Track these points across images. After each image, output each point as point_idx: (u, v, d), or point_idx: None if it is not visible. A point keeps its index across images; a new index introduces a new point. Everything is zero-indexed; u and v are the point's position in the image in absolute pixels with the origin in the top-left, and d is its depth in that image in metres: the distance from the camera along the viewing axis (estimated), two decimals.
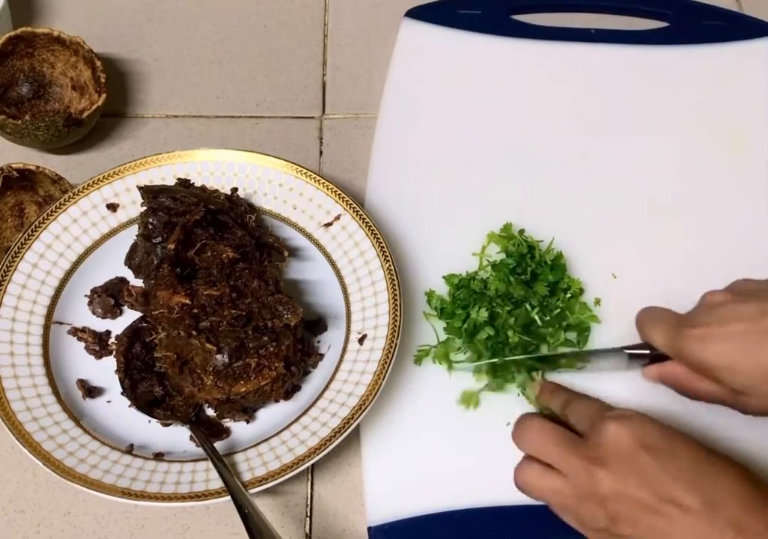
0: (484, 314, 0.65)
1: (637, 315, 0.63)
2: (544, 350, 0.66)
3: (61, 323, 0.66)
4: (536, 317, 0.66)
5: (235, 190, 0.70)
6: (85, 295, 0.68)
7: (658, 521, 0.48)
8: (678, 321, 0.59)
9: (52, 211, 0.69)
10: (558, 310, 0.67)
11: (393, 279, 0.65)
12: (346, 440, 0.59)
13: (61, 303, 0.67)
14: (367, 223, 0.68)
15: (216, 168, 0.72)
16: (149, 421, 0.62)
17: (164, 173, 0.71)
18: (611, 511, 0.49)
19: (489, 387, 0.65)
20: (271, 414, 0.63)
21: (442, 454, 0.63)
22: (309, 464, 0.58)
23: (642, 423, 0.51)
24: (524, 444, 0.54)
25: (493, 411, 0.64)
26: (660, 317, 0.61)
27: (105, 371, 0.65)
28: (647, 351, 0.61)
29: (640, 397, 0.64)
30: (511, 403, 0.65)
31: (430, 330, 0.68)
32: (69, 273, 0.68)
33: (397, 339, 0.62)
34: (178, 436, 0.62)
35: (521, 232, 0.71)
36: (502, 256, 0.70)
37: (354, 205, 0.69)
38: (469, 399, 0.64)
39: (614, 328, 0.67)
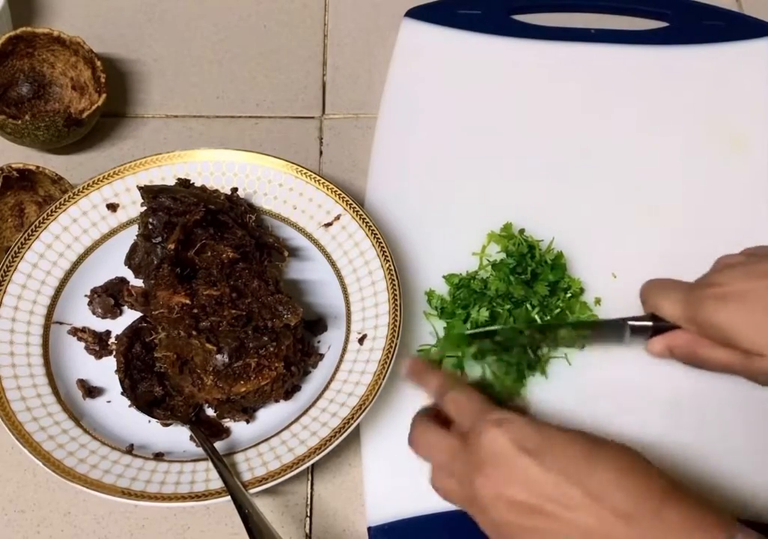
0: (484, 314, 0.65)
1: (641, 287, 0.61)
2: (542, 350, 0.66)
3: (61, 323, 0.66)
4: (536, 317, 0.66)
5: (235, 190, 0.70)
6: (85, 295, 0.68)
7: (543, 522, 0.47)
8: (689, 287, 0.57)
9: (52, 211, 0.69)
10: (558, 310, 0.67)
11: (393, 280, 0.65)
12: (346, 440, 0.59)
13: (61, 303, 0.67)
14: (367, 223, 0.68)
15: (216, 168, 0.72)
16: (149, 421, 0.62)
17: (164, 173, 0.71)
18: (492, 518, 0.48)
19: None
20: (271, 414, 0.63)
21: None
22: (309, 464, 0.58)
23: (522, 426, 0.49)
24: (419, 451, 0.53)
25: None
26: (669, 285, 0.59)
27: (105, 371, 0.65)
28: (650, 323, 0.60)
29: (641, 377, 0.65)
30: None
31: (430, 330, 0.68)
32: (69, 274, 0.68)
33: (397, 339, 0.62)
34: (178, 436, 0.62)
35: (521, 231, 0.71)
36: (502, 255, 0.70)
37: (354, 205, 0.69)
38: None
39: None
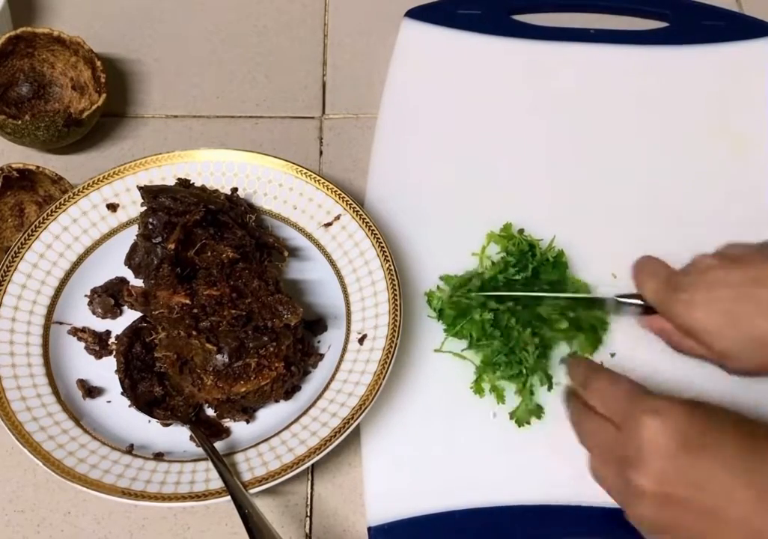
0: (487, 316, 0.65)
1: (633, 264, 0.63)
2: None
3: (61, 323, 0.66)
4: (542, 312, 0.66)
5: (235, 190, 0.70)
6: (85, 295, 0.68)
7: (705, 522, 0.46)
8: (669, 279, 0.59)
9: (52, 211, 0.69)
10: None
11: (393, 280, 0.65)
12: (346, 440, 0.59)
13: (61, 303, 0.67)
14: (367, 222, 0.68)
15: (216, 168, 0.72)
16: (149, 421, 0.62)
17: (164, 173, 0.71)
18: (643, 513, 0.48)
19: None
20: (271, 414, 0.63)
21: (442, 454, 0.63)
22: (309, 464, 0.58)
23: (681, 415, 0.48)
24: (579, 437, 0.54)
25: (493, 411, 0.64)
26: (653, 271, 0.61)
27: (105, 371, 0.65)
28: (641, 302, 0.62)
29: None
30: (512, 404, 0.65)
31: (431, 330, 0.68)
32: (69, 273, 0.68)
33: (397, 339, 0.62)
34: (178, 436, 0.62)
35: (521, 231, 0.71)
36: (503, 255, 0.70)
37: (354, 204, 0.69)
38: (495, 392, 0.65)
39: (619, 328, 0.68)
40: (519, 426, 0.64)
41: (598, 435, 0.52)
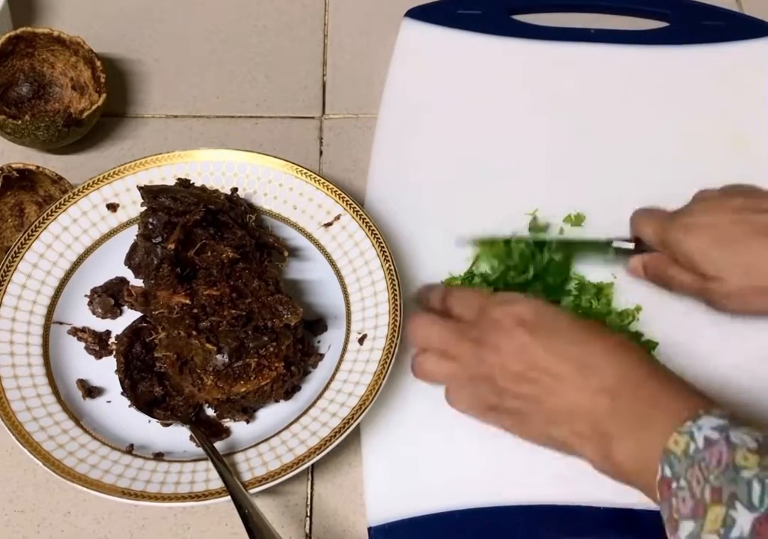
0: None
1: (632, 214, 0.67)
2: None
3: (61, 323, 0.66)
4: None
5: (235, 190, 0.70)
6: (85, 295, 0.68)
7: (534, 389, 0.51)
8: (667, 215, 0.64)
9: (52, 211, 0.69)
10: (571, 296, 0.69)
11: (393, 280, 0.65)
12: (346, 440, 0.59)
13: (61, 303, 0.67)
14: (367, 222, 0.68)
15: (216, 168, 0.72)
16: (149, 421, 0.62)
17: (164, 173, 0.71)
18: (498, 386, 0.52)
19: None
20: (271, 414, 0.63)
21: (442, 454, 0.63)
22: (309, 464, 0.58)
23: (526, 303, 0.54)
24: (418, 339, 0.58)
25: None
26: (652, 212, 0.65)
27: (105, 371, 0.65)
28: (632, 246, 0.67)
29: None
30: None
31: None
32: (69, 273, 0.68)
33: (397, 339, 0.62)
34: (178, 436, 0.62)
35: (540, 227, 0.73)
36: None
37: (354, 204, 0.69)
38: None
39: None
40: None
41: (445, 331, 0.56)
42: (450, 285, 0.69)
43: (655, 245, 0.64)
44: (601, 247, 0.69)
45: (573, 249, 0.70)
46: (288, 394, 0.63)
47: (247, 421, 0.63)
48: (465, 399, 0.55)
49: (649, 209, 0.66)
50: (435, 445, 0.63)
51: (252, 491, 0.56)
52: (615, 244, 0.68)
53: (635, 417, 0.48)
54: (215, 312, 0.60)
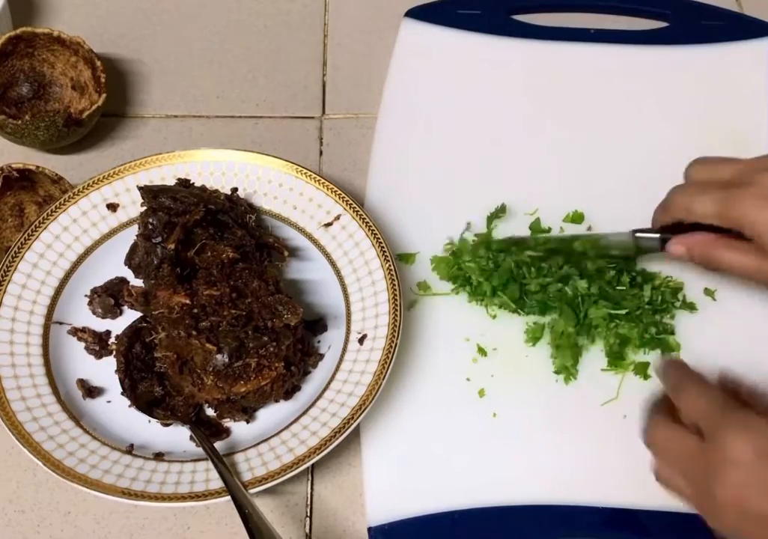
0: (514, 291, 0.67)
1: (669, 192, 0.62)
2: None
3: (61, 323, 0.66)
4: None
5: (235, 190, 0.70)
6: (85, 295, 0.68)
7: None
8: (725, 186, 0.57)
9: (52, 211, 0.69)
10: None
11: (393, 280, 0.65)
12: (346, 440, 0.59)
13: (61, 303, 0.67)
14: (367, 222, 0.68)
15: (216, 168, 0.72)
16: (149, 421, 0.62)
17: (164, 173, 0.71)
18: (727, 524, 0.48)
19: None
20: (271, 414, 0.63)
21: (442, 454, 0.63)
22: (309, 464, 0.58)
23: (765, 430, 0.47)
24: (653, 447, 0.53)
25: (493, 411, 0.64)
26: (703, 187, 0.59)
27: (105, 371, 0.65)
28: (656, 235, 0.63)
29: None
30: (512, 404, 0.65)
31: (431, 330, 0.68)
32: (69, 273, 0.68)
33: (397, 339, 0.62)
34: (178, 436, 0.62)
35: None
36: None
37: (354, 204, 0.69)
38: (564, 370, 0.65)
39: None
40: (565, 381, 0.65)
41: (677, 443, 0.51)
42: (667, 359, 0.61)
43: (710, 218, 0.58)
44: (623, 238, 0.66)
45: (594, 242, 0.67)
46: (288, 394, 0.63)
47: (247, 421, 0.63)
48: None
49: (696, 183, 0.60)
50: (435, 445, 0.63)
51: (252, 491, 0.56)
52: (638, 235, 0.64)
53: None
54: (215, 312, 0.60)
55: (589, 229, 0.73)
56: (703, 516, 0.49)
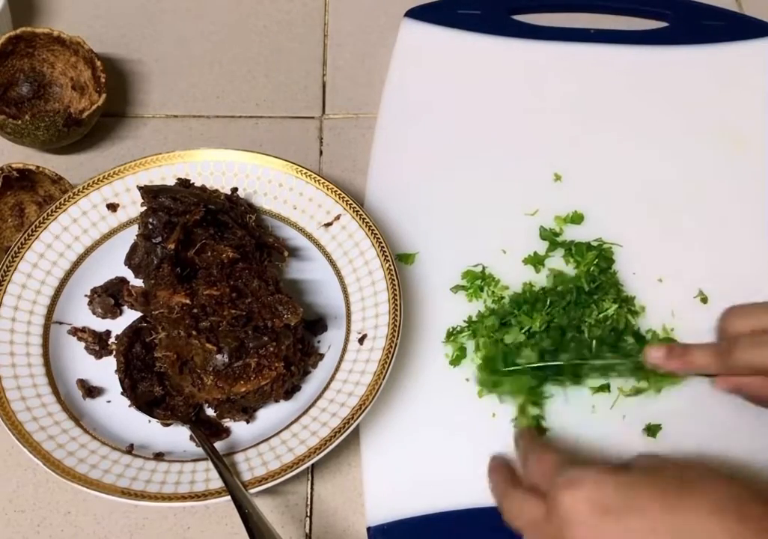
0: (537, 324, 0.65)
1: (734, 351, 0.56)
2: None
3: (61, 323, 0.66)
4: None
5: (235, 190, 0.70)
6: (85, 295, 0.68)
7: None
8: None
9: (52, 211, 0.69)
10: (608, 322, 0.66)
11: (393, 280, 0.65)
12: (346, 440, 0.59)
13: (61, 303, 0.67)
14: (367, 222, 0.68)
15: (216, 168, 0.72)
16: (149, 421, 0.62)
17: (164, 173, 0.71)
18: None
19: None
20: (271, 414, 0.63)
21: (442, 454, 0.63)
22: (309, 464, 0.58)
23: (596, 484, 0.48)
24: (509, 521, 0.53)
25: (493, 411, 0.64)
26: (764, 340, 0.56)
27: (105, 371, 0.65)
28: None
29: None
30: (512, 404, 0.65)
31: (431, 329, 0.68)
32: (69, 273, 0.68)
33: (397, 339, 0.62)
34: (178, 436, 0.62)
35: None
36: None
37: (354, 204, 0.69)
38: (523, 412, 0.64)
39: None
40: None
41: (525, 510, 0.51)
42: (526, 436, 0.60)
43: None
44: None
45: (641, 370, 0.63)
46: (288, 394, 0.63)
47: (247, 421, 0.63)
48: None
49: (753, 337, 0.56)
50: (435, 445, 0.63)
51: (252, 491, 0.56)
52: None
53: None
54: (215, 312, 0.60)
55: (581, 217, 0.73)
56: None
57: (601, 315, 0.66)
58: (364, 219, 0.68)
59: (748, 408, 0.61)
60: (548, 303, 0.66)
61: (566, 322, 0.65)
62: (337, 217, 0.69)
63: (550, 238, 0.72)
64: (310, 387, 0.64)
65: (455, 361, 0.66)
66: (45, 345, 0.65)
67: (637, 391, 0.64)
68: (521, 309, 0.66)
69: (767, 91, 0.82)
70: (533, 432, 0.61)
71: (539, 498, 0.50)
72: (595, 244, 0.71)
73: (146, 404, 0.63)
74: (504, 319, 0.66)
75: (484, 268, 0.70)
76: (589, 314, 0.66)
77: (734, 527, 0.44)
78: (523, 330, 0.65)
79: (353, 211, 0.69)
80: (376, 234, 0.67)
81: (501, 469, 0.57)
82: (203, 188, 0.69)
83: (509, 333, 0.65)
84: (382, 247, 0.67)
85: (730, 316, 0.58)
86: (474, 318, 0.68)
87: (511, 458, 0.58)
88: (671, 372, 0.60)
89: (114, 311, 0.68)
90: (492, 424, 0.64)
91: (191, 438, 0.61)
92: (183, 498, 0.56)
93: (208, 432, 0.61)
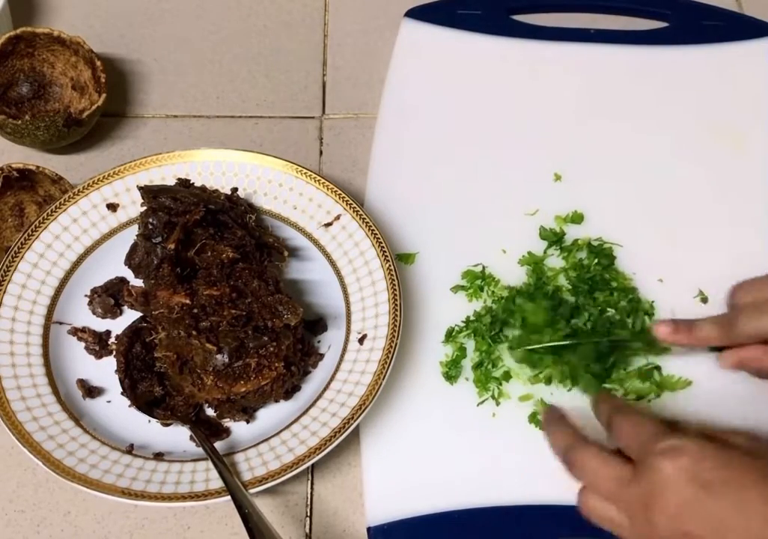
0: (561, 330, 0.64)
1: (741, 306, 0.59)
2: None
3: (61, 323, 0.66)
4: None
5: (235, 190, 0.70)
6: (85, 295, 0.68)
7: None
8: None
9: (52, 211, 0.69)
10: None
11: (393, 280, 0.65)
12: (346, 440, 0.59)
13: (61, 303, 0.67)
14: (367, 222, 0.68)
15: (216, 168, 0.72)
16: (149, 421, 0.62)
17: (164, 173, 0.71)
18: None
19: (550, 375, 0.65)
20: (271, 414, 0.63)
21: (442, 454, 0.63)
22: (309, 464, 0.58)
23: (697, 454, 0.47)
24: (578, 475, 0.52)
25: (493, 411, 0.64)
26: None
27: (105, 371, 0.65)
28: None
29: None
30: (512, 404, 0.65)
31: (431, 329, 0.68)
32: (69, 273, 0.68)
33: (397, 339, 0.62)
34: (178, 436, 0.62)
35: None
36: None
37: (354, 204, 0.69)
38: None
39: None
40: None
41: (608, 471, 0.50)
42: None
43: None
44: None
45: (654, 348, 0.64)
46: (288, 394, 0.63)
47: (247, 421, 0.63)
48: None
49: (754, 305, 0.58)
50: (434, 445, 0.63)
51: (252, 491, 0.56)
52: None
53: None
54: (215, 312, 0.60)
55: (581, 217, 0.73)
56: None
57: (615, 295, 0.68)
58: (364, 219, 0.68)
59: (755, 411, 0.62)
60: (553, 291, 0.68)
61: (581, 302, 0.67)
62: (337, 217, 0.69)
63: (550, 237, 0.72)
64: (310, 387, 0.64)
65: (455, 361, 0.66)
66: (45, 345, 0.65)
67: (642, 395, 0.64)
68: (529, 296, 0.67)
69: (767, 91, 0.82)
70: (617, 397, 0.60)
71: (624, 460, 0.50)
72: (595, 243, 0.71)
73: (146, 404, 0.63)
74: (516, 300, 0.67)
75: (484, 267, 0.70)
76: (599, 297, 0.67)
77: None
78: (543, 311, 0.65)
79: (353, 211, 0.69)
80: (376, 234, 0.67)
81: (564, 422, 0.56)
82: (203, 188, 0.69)
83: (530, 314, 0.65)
84: (382, 247, 0.67)
85: (736, 291, 0.61)
86: (471, 318, 0.67)
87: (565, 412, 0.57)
88: (679, 344, 0.61)
89: (114, 311, 0.68)
90: (492, 424, 0.64)
91: (191, 438, 0.61)
92: (183, 498, 0.56)
93: (208, 432, 0.61)
